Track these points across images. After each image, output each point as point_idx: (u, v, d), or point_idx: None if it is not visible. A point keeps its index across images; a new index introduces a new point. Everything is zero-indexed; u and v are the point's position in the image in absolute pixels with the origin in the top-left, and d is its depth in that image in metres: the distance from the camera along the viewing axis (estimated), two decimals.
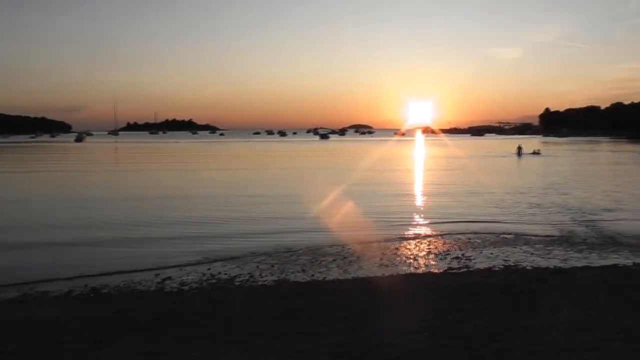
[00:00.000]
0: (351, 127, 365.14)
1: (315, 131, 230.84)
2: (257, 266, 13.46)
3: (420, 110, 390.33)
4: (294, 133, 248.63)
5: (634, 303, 9.45)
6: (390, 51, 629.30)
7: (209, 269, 13.13)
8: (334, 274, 12.75)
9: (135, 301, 10.31)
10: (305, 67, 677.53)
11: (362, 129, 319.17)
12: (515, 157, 65.07)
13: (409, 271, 13.09)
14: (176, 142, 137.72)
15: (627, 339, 7.35)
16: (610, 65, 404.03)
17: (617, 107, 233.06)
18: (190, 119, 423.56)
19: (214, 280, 12.14)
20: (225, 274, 12.74)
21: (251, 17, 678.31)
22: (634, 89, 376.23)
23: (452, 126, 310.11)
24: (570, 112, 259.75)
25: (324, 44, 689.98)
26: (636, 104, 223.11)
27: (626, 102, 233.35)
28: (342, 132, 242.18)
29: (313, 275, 12.62)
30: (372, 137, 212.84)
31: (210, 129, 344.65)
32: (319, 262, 13.88)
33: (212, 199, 25.67)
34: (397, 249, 15.57)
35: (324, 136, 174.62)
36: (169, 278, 12.33)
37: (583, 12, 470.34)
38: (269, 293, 10.81)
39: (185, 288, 11.51)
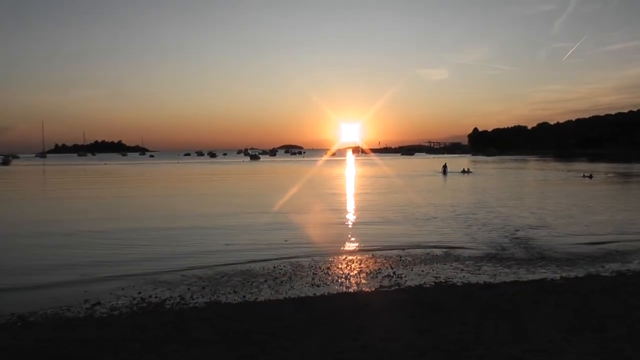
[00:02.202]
0: (282, 147, 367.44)
1: (245, 152, 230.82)
2: (188, 288, 13.38)
3: (351, 130, 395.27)
4: (225, 154, 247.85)
5: (559, 316, 9.92)
6: (322, 72, 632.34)
7: (139, 293, 12.94)
8: (266, 294, 12.80)
9: (64, 329, 10.08)
10: (235, 88, 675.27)
11: (293, 149, 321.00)
12: (441, 176, 66.82)
13: (340, 290, 13.26)
14: (105, 164, 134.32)
15: (552, 350, 7.75)
16: (535, 86, 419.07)
17: (543, 127, 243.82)
18: (120, 140, 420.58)
19: (144, 304, 11.98)
20: (156, 297, 12.60)
21: (180, 38, 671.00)
22: (558, 109, 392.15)
23: (383, 145, 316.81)
24: (498, 131, 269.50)
25: (254, 65, 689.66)
26: (561, 123, 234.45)
27: (551, 122, 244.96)
28: (272, 152, 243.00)
29: (245, 296, 12.64)
30: (302, 157, 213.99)
31: (140, 150, 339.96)
32: (250, 283, 13.92)
33: (137, 232, 22.86)
34: (328, 268, 15.72)
35: (254, 157, 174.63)
36: (99, 303, 12.08)
37: (507, 36, 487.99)
38: (200, 315, 10.80)
39: (116, 313, 11.30)
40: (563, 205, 32.36)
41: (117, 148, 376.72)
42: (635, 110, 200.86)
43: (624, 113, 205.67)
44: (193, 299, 12.38)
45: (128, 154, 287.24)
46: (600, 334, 8.57)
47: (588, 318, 9.61)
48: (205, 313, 11.01)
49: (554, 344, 8.02)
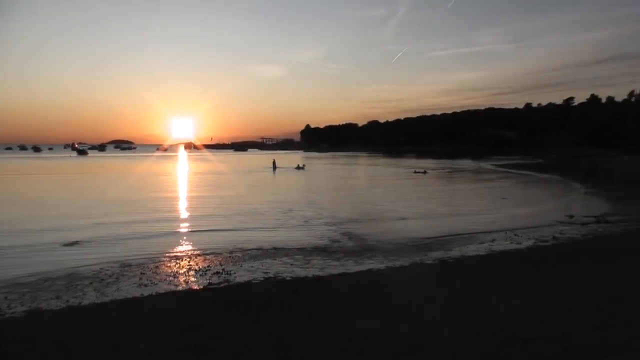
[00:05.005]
0: (112, 142, 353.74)
1: (73, 146, 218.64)
2: (6, 297, 12.54)
3: (183, 125, 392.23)
4: (50, 148, 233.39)
5: (380, 303, 10.79)
6: (154, 67, 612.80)
7: None
8: (91, 297, 12.45)
9: None
10: (63, 80, 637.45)
11: (124, 145, 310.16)
12: (271, 172, 68.07)
13: (168, 289, 13.21)
14: None
15: (373, 336, 8.38)
16: (367, 85, 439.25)
17: (373, 125, 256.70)
18: None
19: None
20: None
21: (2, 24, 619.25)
22: (389, 108, 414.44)
23: (216, 141, 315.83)
24: (330, 128, 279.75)
25: (83, 57, 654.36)
26: (390, 122, 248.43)
27: (381, 120, 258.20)
28: (102, 147, 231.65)
29: (68, 301, 12.19)
30: (133, 152, 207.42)
31: None
32: (74, 286, 13.43)
33: None
34: (157, 267, 15.59)
35: (82, 152, 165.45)
36: None
37: (340, 36, 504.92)
38: (18, 326, 10.26)
39: None
40: (389, 200, 34.29)
41: None
42: (459, 111, 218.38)
43: (448, 113, 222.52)
44: (10, 309, 11.61)
45: None
46: (418, 317, 9.41)
47: (408, 303, 10.50)
48: (24, 323, 10.46)
49: (374, 332, 8.68)
